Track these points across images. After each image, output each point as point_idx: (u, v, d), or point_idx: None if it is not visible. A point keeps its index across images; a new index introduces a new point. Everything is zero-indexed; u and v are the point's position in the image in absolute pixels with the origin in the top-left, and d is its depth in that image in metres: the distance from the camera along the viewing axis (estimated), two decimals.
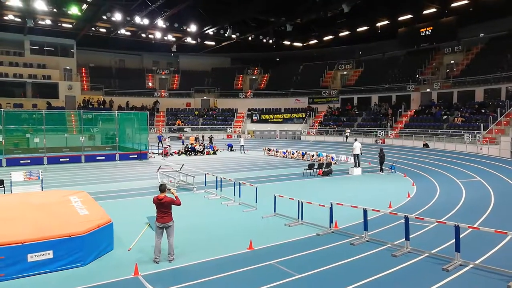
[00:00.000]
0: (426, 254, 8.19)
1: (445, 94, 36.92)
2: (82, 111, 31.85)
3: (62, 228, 7.86)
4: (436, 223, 9.08)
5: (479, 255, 7.99)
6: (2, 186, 14.10)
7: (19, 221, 8.49)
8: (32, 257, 7.13)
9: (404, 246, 8.49)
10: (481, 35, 38.76)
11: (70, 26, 37.66)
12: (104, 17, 34.23)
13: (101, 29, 38.98)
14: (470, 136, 27.96)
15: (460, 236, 7.66)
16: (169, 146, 32.56)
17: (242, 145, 33.69)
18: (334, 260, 7.96)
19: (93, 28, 38.54)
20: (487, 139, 26.47)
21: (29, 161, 24.25)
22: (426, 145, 30.32)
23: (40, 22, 35.53)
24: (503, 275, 7.04)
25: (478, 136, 27.25)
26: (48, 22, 35.70)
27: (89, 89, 47.15)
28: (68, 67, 45.27)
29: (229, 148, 34.98)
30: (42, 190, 13.91)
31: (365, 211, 9.30)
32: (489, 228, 7.87)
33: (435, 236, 9.47)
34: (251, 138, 44.39)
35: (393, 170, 21.56)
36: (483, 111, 31.00)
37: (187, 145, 32.96)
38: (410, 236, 8.53)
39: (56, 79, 43.50)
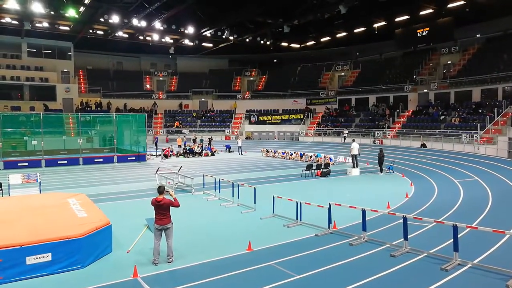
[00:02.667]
0: (425, 254, 8.21)
1: (442, 94, 37.05)
2: (80, 113, 31.79)
3: (60, 230, 7.84)
4: (434, 223, 9.11)
5: (477, 255, 8.01)
6: (0, 189, 14.06)
7: (18, 224, 8.46)
8: (30, 260, 7.12)
9: (403, 246, 8.51)
10: (478, 35, 38.91)
11: (68, 28, 37.64)
12: (102, 20, 34.24)
13: (98, 32, 38.95)
14: (468, 136, 28.05)
15: (459, 235, 7.70)
16: (169, 147, 32.43)
17: (240, 147, 33.82)
18: (333, 260, 7.97)
19: (90, 31, 38.52)
20: (485, 139, 26.57)
21: (26, 163, 24.17)
22: (423, 145, 30.39)
23: (37, 24, 35.49)
24: (502, 275, 7.06)
25: (476, 136, 27.34)
26: (45, 24, 35.68)
27: (86, 92, 47.11)
28: (65, 70, 45.26)
29: (227, 149, 35.00)
30: (40, 192, 13.85)
31: (363, 212, 9.32)
32: (487, 228, 7.89)
33: (434, 236, 9.49)
34: (249, 139, 44.41)
35: (391, 171, 21.60)
36: (480, 111, 31.12)
37: (185, 146, 32.98)
38: (408, 236, 8.54)
39: (54, 81, 43.49)
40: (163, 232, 7.96)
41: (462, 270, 7.38)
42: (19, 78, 41.53)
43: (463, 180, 17.72)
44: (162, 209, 7.91)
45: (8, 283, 6.90)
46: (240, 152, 33.41)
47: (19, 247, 7.05)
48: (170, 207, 7.99)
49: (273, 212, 11.82)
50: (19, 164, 23.94)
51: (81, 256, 7.62)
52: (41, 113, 28.20)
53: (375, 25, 38.47)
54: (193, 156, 31.19)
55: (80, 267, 7.59)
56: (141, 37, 40.94)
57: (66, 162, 25.51)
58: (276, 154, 30.80)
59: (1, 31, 38.32)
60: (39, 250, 7.20)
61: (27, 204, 10.55)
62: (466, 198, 14.02)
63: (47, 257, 7.26)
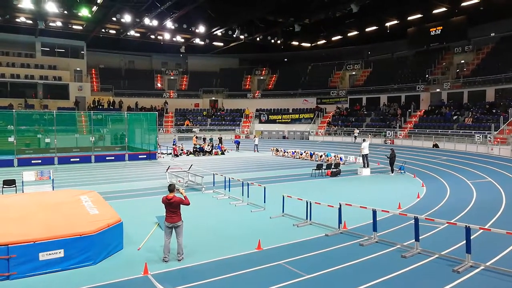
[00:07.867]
0: (436, 255, 8.11)
1: (455, 94, 36.57)
2: (92, 111, 32.14)
3: (73, 227, 7.94)
4: (447, 224, 8.99)
5: (490, 257, 7.89)
6: (14, 185, 14.31)
7: (31, 220, 8.60)
8: (43, 256, 7.23)
9: (414, 247, 8.43)
10: (492, 34, 38.28)
11: (80, 27, 38.13)
12: (114, 19, 34.61)
13: (110, 31, 39.38)
14: (481, 136, 27.63)
15: (471, 237, 7.59)
16: (179, 146, 32.63)
17: (256, 144, 34.40)
18: (343, 260, 7.93)
19: (103, 30, 38.94)
20: (498, 139, 26.15)
21: (40, 161, 24.54)
22: (436, 145, 30.04)
23: (51, 24, 36.00)
24: None
25: (489, 137, 26.92)
26: (59, 24, 36.18)
27: (99, 90, 47.59)
28: (78, 68, 45.77)
29: (236, 144, 35.42)
30: (53, 189, 14.06)
31: (374, 212, 9.24)
32: (500, 230, 7.75)
33: (446, 237, 9.37)
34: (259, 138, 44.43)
35: (402, 171, 21.39)
36: (494, 111, 30.64)
37: (195, 145, 33.14)
38: (420, 237, 8.46)
39: (67, 80, 44.04)
40: (173, 230, 8.02)
41: (475, 272, 7.28)
42: (33, 76, 42.14)
43: (476, 181, 17.46)
44: (173, 207, 7.96)
45: (21, 278, 7.02)
46: (255, 149, 33.96)
47: (33, 243, 7.17)
48: (181, 205, 8.03)
49: (283, 212, 11.80)
50: (32, 162, 24.30)
51: (93, 252, 7.71)
52: (54, 111, 28.56)
53: (387, 24, 38.09)
54: (203, 155, 31.33)
55: (91, 263, 7.68)
56: (152, 36, 41.25)
57: (78, 159, 25.82)
58: (286, 154, 30.75)
59: (16, 30, 38.93)
60: (52, 246, 7.32)
61: (40, 200, 10.70)
62: (479, 199, 13.81)
63: (60, 253, 7.37)
